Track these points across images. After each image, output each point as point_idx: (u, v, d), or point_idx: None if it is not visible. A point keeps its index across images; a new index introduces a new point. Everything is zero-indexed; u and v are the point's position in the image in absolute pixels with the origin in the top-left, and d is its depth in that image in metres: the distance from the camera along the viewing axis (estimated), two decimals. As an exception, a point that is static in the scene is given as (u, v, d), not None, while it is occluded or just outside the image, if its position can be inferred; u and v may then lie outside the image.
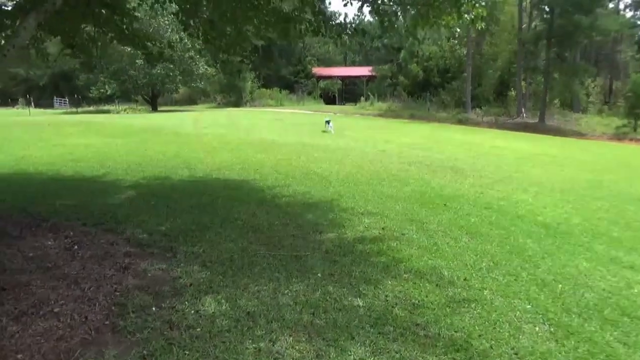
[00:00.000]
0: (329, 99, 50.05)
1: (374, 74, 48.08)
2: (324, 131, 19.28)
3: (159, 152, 12.20)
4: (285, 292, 4.00)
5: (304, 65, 54.11)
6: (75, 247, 4.86)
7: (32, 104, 55.05)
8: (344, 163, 11.08)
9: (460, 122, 29.74)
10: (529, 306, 3.94)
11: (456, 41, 40.65)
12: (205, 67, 38.09)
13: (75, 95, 46.83)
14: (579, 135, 26.08)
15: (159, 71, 35.40)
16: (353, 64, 63.44)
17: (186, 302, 3.74)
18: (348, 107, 41.73)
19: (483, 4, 7.13)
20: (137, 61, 33.46)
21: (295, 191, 7.96)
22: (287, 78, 52.60)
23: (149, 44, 6.63)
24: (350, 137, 17.72)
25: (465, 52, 36.74)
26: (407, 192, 8.10)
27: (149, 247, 5.02)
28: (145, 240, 5.22)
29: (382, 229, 5.95)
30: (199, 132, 17.69)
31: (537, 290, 4.27)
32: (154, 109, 40.42)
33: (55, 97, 57.54)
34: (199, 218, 6.13)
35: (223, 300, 3.80)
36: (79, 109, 41.77)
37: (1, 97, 65.38)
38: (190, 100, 51.60)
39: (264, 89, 47.97)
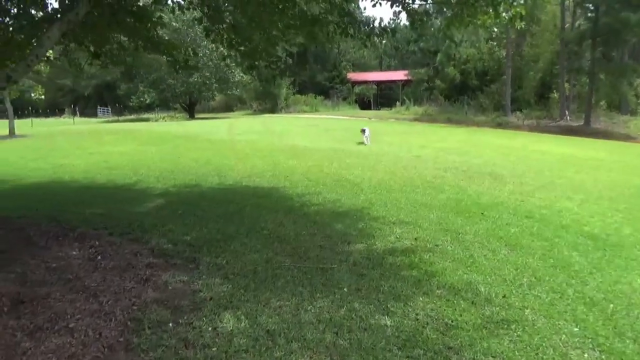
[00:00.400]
0: (364, 104, 49.68)
1: (409, 78, 47.39)
2: (359, 143, 16.53)
3: (192, 159, 12.26)
4: (309, 308, 3.78)
5: (339, 71, 54.00)
6: (99, 257, 4.80)
7: (78, 113, 57.33)
8: (377, 169, 10.79)
9: (500, 125, 28.82)
10: (576, 329, 3.56)
11: (495, 43, 39.56)
12: (241, 74, 38.50)
13: (117, 105, 48.35)
14: (629, 138, 24.74)
15: (196, 79, 36.08)
16: (389, 68, 62.81)
17: (204, 318, 3.58)
18: (383, 112, 41.28)
19: (522, 2, 6.74)
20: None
21: (325, 199, 7.75)
22: (322, 84, 52.60)
23: (175, 52, 6.58)
24: (385, 142, 17.38)
25: (504, 53, 35.66)
26: (442, 200, 7.74)
27: (172, 258, 4.91)
28: (169, 251, 5.12)
29: (415, 239, 5.64)
30: (233, 139, 17.76)
31: (585, 310, 3.88)
32: (191, 116, 41.21)
33: (99, 107, 59.58)
34: (225, 227, 6.00)
35: (243, 317, 3.61)
36: (120, 118, 43.10)
37: (50, 107, 68.43)
38: (227, 108, 52.34)
39: (299, 95, 48.10)
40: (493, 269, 4.71)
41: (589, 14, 28.57)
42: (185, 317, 3.59)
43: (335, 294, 4.03)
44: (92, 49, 6.02)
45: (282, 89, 45.11)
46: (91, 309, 3.65)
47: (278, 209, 6.96)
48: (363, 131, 17.12)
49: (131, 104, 41.65)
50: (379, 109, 46.69)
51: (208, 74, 36.12)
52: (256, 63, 6.54)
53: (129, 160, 11.99)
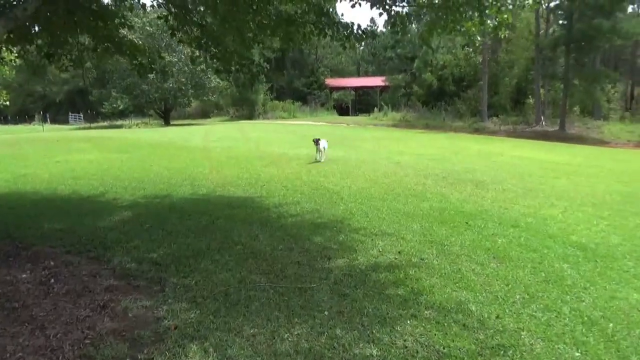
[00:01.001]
0: (342, 110, 49.57)
1: (387, 84, 47.50)
2: (314, 162, 12.52)
3: (164, 167, 11.74)
4: (285, 336, 3.39)
5: (317, 77, 53.86)
6: (52, 280, 4.33)
7: (48, 120, 55.73)
8: (356, 177, 10.47)
9: (477, 131, 28.95)
10: (577, 353, 3.27)
11: (471, 49, 39.93)
12: (217, 80, 37.95)
13: (89, 111, 47.13)
14: (602, 143, 25.08)
15: (171, 85, 35.33)
16: (366, 74, 63.00)
17: (167, 352, 3.16)
18: (361, 118, 41.17)
19: (510, 8, 6.54)
20: (149, 75, 33.39)
21: (303, 209, 7.38)
22: (300, 90, 52.35)
23: (138, 55, 6.14)
24: (363, 148, 17.12)
25: (480, 59, 36.00)
26: (425, 209, 7.45)
27: (136, 279, 4.47)
28: (133, 271, 4.67)
29: (399, 252, 5.31)
30: (208, 146, 17.25)
31: (585, 330, 3.60)
32: (167, 123, 40.38)
33: (70, 114, 58.07)
34: (195, 243, 5.57)
35: (211, 349, 3.21)
36: (93, 125, 41.94)
37: (19, 114, 66.41)
38: (203, 114, 51.57)
39: (277, 101, 47.71)
40: (483, 285, 4.41)
41: (563, 21, 29.01)
42: (145, 351, 3.17)
43: (315, 319, 3.66)
44: (45, 50, 5.53)
45: (260, 94, 44.68)
46: (36, 344, 3.19)
47: (253, 221, 6.56)
48: (316, 142, 12.10)
49: (104, 110, 40.62)
50: (357, 115, 46.61)
51: (184, 80, 35.44)
52: (228, 67, 6.15)
53: (97, 169, 11.40)
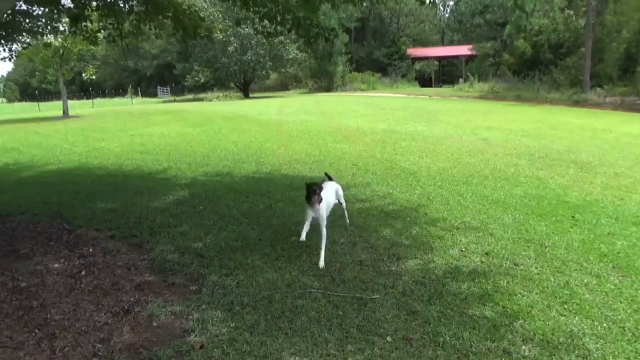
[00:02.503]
0: (425, 81, 47.22)
1: (474, 52, 44.25)
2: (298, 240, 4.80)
3: (233, 142, 11.34)
4: (334, 371, 2.62)
5: (398, 47, 51.57)
6: (83, 272, 3.87)
7: (140, 93, 58.84)
8: (437, 155, 9.36)
9: (577, 103, 25.95)
10: None
11: (572, 11, 35.81)
12: (296, 52, 37.40)
13: (175, 85, 48.82)
14: None
15: (249, 57, 35.34)
16: (451, 43, 59.38)
17: (182, 384, 2.51)
18: (445, 90, 38.87)
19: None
20: (228, 48, 33.60)
21: (373, 193, 6.51)
22: (380, 61, 50.51)
23: (183, 18, 5.50)
24: (446, 122, 15.71)
25: (583, 23, 32.14)
26: (518, 196, 6.28)
27: (173, 274, 3.90)
28: (172, 264, 4.11)
29: (486, 254, 4.31)
30: (280, 120, 16.74)
31: None
32: (246, 95, 40.73)
33: (159, 87, 60.73)
34: (247, 231, 4.93)
35: (237, 383, 2.51)
36: (178, 98, 43.42)
37: (115, 88, 70.94)
38: (282, 86, 51.56)
39: (356, 73, 46.38)
40: (602, 309, 3.33)
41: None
42: (157, 380, 2.54)
43: (374, 346, 2.84)
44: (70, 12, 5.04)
45: (338, 66, 43.60)
46: (36, 360, 2.68)
47: (315, 206, 5.80)
48: (313, 192, 4.20)
49: (186, 83, 41.74)
50: (441, 86, 44.18)
51: (262, 52, 35.26)
52: (282, 27, 5.30)
53: (167, 143, 11.25)
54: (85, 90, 63.63)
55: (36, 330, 2.99)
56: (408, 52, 50.79)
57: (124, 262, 4.14)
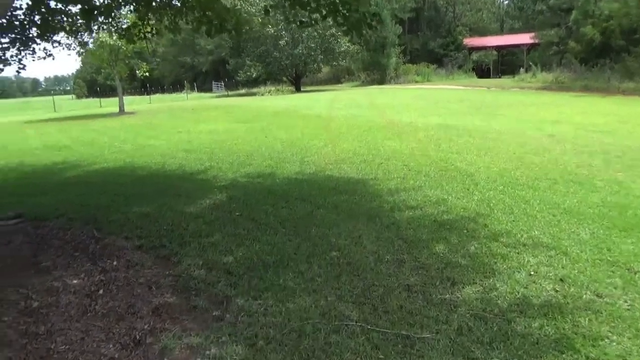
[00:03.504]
0: (482, 72, 45.12)
1: (536, 41, 41.66)
2: None
3: (279, 139, 10.97)
4: None
5: (454, 37, 49.58)
6: (100, 291, 3.55)
7: (196, 88, 60.20)
8: (497, 154, 8.53)
9: (655, 93, 23.72)
10: None
11: (648, -7, 32.82)
12: (348, 44, 36.72)
13: (228, 80, 49.45)
14: None
15: (300, 51, 35.04)
16: (511, 31, 56.46)
17: None
18: (504, 80, 36.90)
19: None
20: (279, 42, 33.46)
21: (425, 198, 5.87)
22: (435, 51, 48.78)
23: (210, 14, 5.10)
24: (506, 116, 14.62)
25: (662, 5, 29.34)
26: (596, 205, 5.44)
27: (196, 296, 3.50)
28: (197, 282, 3.72)
29: (560, 280, 3.61)
30: (330, 115, 16.25)
31: None
32: (297, 89, 40.54)
33: (213, 82, 61.84)
34: (283, 243, 4.47)
35: None
36: (230, 93, 43.92)
37: (173, 84, 73.15)
38: (335, 80, 50.99)
39: (410, 65, 45.05)
40: None
41: None
42: None
43: (421, 407, 2.29)
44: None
45: (392, 58, 42.46)
46: (23, 407, 2.33)
47: (359, 214, 5.27)
48: None
49: (238, 78, 42.09)
50: (500, 77, 42.06)
51: (313, 45, 34.86)
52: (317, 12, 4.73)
53: (213, 140, 11.06)
54: (146, 87, 65.99)
55: (33, 365, 2.66)
56: (465, 42, 48.71)
57: (146, 278, 3.79)
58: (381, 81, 42.52)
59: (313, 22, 5.23)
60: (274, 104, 22.40)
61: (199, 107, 22.30)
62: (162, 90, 68.59)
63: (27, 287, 3.56)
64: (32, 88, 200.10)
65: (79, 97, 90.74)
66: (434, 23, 50.54)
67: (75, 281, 3.71)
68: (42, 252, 4.34)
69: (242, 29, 5.84)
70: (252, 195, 6.19)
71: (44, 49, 6.34)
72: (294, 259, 4.11)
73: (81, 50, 21.14)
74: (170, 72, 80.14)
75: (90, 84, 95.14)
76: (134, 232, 4.89)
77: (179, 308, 3.34)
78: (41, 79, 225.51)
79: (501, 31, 57.97)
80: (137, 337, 2.94)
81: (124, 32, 6.33)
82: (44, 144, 12.87)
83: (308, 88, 43.70)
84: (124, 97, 25.42)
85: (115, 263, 4.07)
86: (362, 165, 7.94)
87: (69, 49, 17.47)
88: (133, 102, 34.82)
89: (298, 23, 5.58)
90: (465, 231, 4.69)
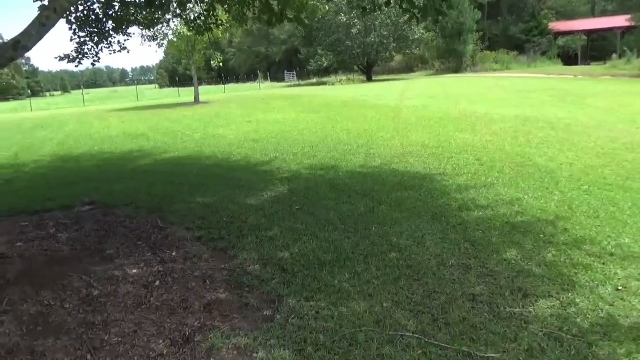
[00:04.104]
0: (569, 59, 41.99)
1: (633, 23, 38.00)
2: None
3: (346, 130, 10.78)
4: None
5: (538, 21, 46.58)
6: (157, 283, 3.57)
7: (269, 78, 61.30)
8: (583, 149, 7.79)
9: None
10: None
11: None
12: (422, 31, 35.59)
13: (299, 69, 49.82)
14: None
15: (372, 39, 34.45)
16: (604, 14, 51.98)
17: None
18: (594, 68, 34.10)
19: None
20: (352, 31, 33.08)
21: (497, 197, 5.44)
22: (516, 37, 46.16)
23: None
24: (595, 107, 13.41)
25: None
26: (701, 211, 4.75)
27: (249, 292, 3.43)
28: (251, 277, 3.65)
29: (655, 299, 3.14)
30: (400, 105, 15.78)
31: None
32: (369, 79, 39.99)
33: (286, 72, 62.64)
34: (341, 240, 4.30)
35: None
36: (302, 82, 44.24)
37: (248, 74, 75.15)
38: (407, 68, 49.78)
39: (488, 52, 42.95)
40: None
41: None
42: None
43: None
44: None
45: (468, 45, 40.71)
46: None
47: (424, 213, 4.97)
48: None
49: (310, 67, 42.23)
50: (588, 64, 38.95)
51: (386, 33, 34.13)
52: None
53: (280, 130, 11.08)
54: (222, 77, 68.34)
55: (88, 357, 2.69)
56: (550, 27, 45.61)
57: (202, 271, 3.77)
58: (457, 70, 40.94)
59: (377, 8, 4.95)
60: (344, 93, 22.20)
61: (270, 97, 22.61)
62: (237, 79, 70.61)
63: (91, 274, 3.66)
64: (120, 78, 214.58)
65: (161, 86, 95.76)
66: (517, 7, 47.68)
67: (135, 270, 3.77)
68: (108, 239, 4.48)
69: (304, 16, 5.67)
70: (314, 189, 6.06)
71: (118, 42, 6.52)
72: (351, 258, 3.93)
73: (161, 41, 22.15)
74: (245, 62, 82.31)
75: (172, 74, 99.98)
76: (195, 223, 4.93)
77: (231, 305, 3.27)
78: (129, 69, 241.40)
79: (592, 14, 53.59)
80: (187, 333, 2.91)
81: (192, 24, 6.43)
82: (124, 131, 13.58)
83: (380, 77, 42.99)
84: (201, 87, 26.33)
85: (174, 254, 4.11)
86: (430, 159, 7.56)
87: (149, 41, 18.25)
88: (208, 92, 36.08)
89: (361, 10, 5.31)
90: (541, 236, 4.25)
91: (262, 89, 36.18)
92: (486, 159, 7.31)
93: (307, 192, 5.90)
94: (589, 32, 44.18)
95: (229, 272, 3.80)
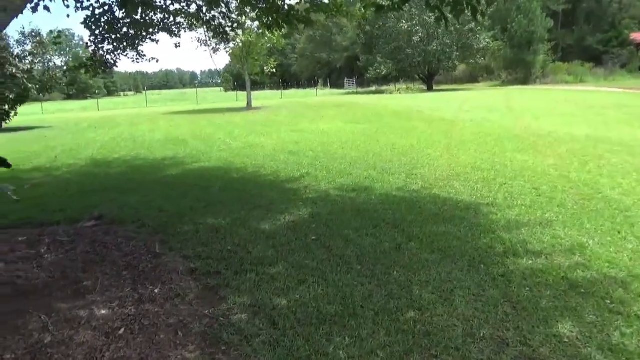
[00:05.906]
0: (652, 73, 38.57)
1: None
2: None
3: (391, 144, 9.99)
4: None
5: (618, 31, 43.27)
6: (122, 330, 3.02)
7: (329, 84, 61.14)
8: (667, 181, 6.57)
9: None
10: None
11: None
12: (488, 40, 33.87)
13: (357, 77, 49.18)
14: None
15: (434, 47, 33.17)
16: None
17: None
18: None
19: None
20: (413, 38, 32.02)
21: (555, 240, 4.49)
22: (593, 48, 43.12)
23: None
24: (683, 129, 11.76)
25: None
26: None
27: (223, 355, 2.80)
28: (233, 332, 3.03)
29: None
30: (456, 118, 14.72)
31: None
32: (429, 88, 38.63)
33: (346, 79, 62.21)
34: (352, 289, 3.57)
35: None
36: (360, 90, 43.53)
37: (309, 79, 75.59)
38: (471, 78, 47.81)
39: (560, 63, 40.32)
40: None
41: None
42: None
43: None
44: None
45: (539, 55, 38.40)
46: None
47: (460, 255, 4.14)
48: None
49: (368, 75, 41.44)
50: (676, 79, 35.48)
51: (448, 41, 32.75)
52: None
53: (320, 142, 10.48)
54: (284, 82, 69.01)
55: None
56: (632, 37, 42.15)
57: (179, 318, 3.19)
58: (524, 81, 38.73)
59: (395, 7, 4.20)
60: (398, 103, 21.30)
61: (322, 104, 22.11)
62: (298, 85, 71.01)
63: (52, 313, 3.18)
64: (190, 80, 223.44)
65: (226, 90, 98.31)
66: (594, 15, 44.57)
67: (103, 312, 3.24)
68: (94, 266, 4.02)
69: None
70: (338, 215, 5.36)
71: (137, 50, 6.22)
72: (359, 315, 3.20)
73: (216, 46, 22.24)
74: (307, 68, 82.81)
75: (236, 77, 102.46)
76: (195, 250, 4.39)
77: (196, 371, 2.65)
78: (198, 72, 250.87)
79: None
80: (125, 413, 2.31)
81: (218, 29, 5.96)
82: (166, 136, 13.50)
83: (441, 87, 41.50)
84: (260, 92, 26.28)
85: (156, 290, 3.56)
86: (479, 184, 6.64)
87: (205, 45, 18.24)
88: (266, 97, 36.21)
89: (384, 9, 4.58)
90: (607, 301, 3.32)
91: (319, 96, 35.80)
92: (545, 188, 6.30)
93: (329, 218, 5.22)
94: (676, 44, 40.41)
95: (210, 320, 3.18)
